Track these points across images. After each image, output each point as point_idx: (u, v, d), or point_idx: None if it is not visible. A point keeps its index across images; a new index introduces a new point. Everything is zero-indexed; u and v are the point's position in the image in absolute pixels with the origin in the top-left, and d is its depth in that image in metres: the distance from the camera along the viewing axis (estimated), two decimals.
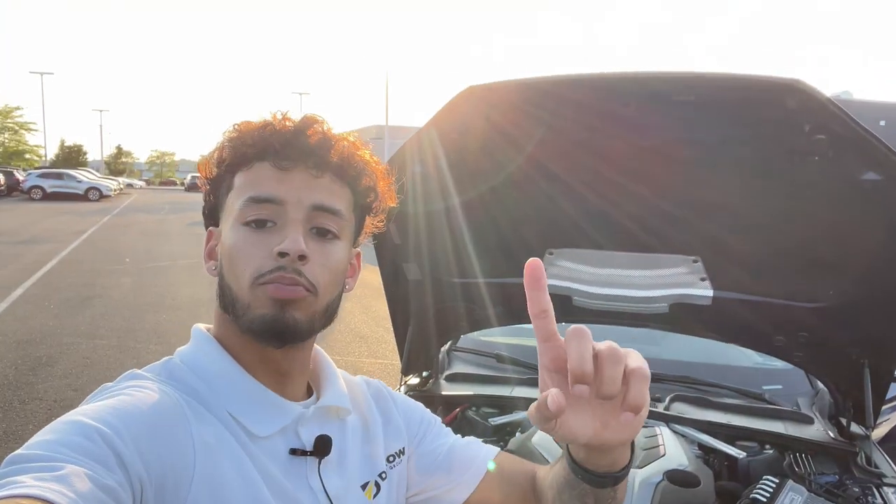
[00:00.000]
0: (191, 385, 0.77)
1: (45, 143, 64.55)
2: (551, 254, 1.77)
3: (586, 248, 1.73)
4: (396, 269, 1.88)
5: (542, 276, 0.64)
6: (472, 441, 1.05)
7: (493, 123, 1.47)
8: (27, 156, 53.47)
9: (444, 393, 2.08)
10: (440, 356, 2.26)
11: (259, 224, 0.78)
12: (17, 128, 51.27)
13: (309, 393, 0.91)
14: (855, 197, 1.32)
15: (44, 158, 56.25)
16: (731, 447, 1.74)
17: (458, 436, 1.07)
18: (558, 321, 2.21)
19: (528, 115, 1.45)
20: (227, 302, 0.79)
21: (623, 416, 0.61)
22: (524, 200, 1.66)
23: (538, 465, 0.98)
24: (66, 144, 59.76)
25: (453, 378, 2.22)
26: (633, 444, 0.77)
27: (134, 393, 0.70)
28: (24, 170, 39.62)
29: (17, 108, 50.82)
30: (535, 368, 2.22)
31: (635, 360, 0.63)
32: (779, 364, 2.19)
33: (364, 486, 0.90)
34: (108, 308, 7.64)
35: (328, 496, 0.82)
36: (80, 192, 31.20)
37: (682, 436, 1.79)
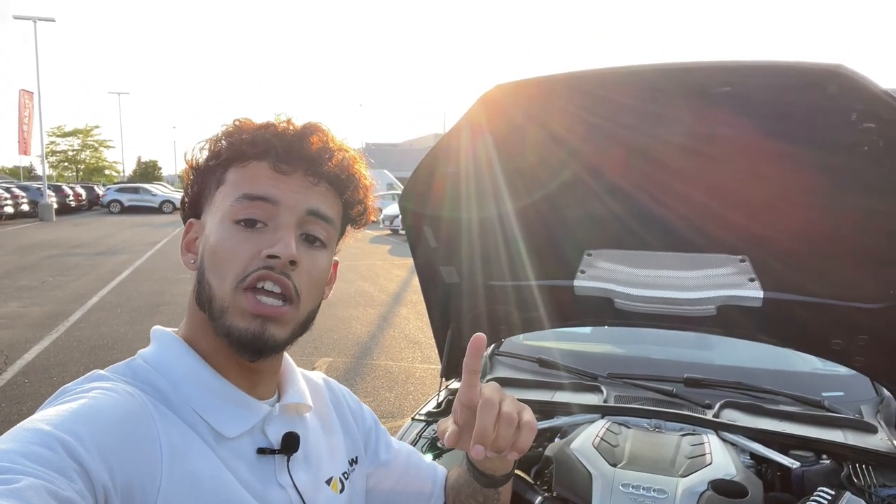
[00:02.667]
0: (156, 386, 0.76)
1: (123, 159, 68.30)
2: (590, 255, 1.73)
3: (627, 249, 1.68)
4: (433, 272, 1.87)
5: (482, 348, 0.83)
6: (419, 461, 1.11)
7: (526, 122, 1.45)
8: (107, 171, 56.62)
9: None
10: (482, 360, 2.24)
11: (249, 223, 0.77)
12: (96, 145, 54.35)
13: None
14: None
15: (122, 174, 59.35)
16: (784, 457, 1.65)
17: (404, 447, 1.10)
18: (601, 324, 2.12)
19: (561, 113, 1.41)
20: (204, 298, 0.78)
21: (510, 455, 0.81)
22: (562, 200, 1.63)
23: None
24: (142, 160, 62.87)
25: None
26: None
27: (98, 396, 0.68)
28: (103, 185, 41.97)
29: (96, 127, 53.98)
30: (576, 373, 2.17)
31: (528, 414, 0.84)
32: (841, 370, 2.07)
33: (328, 482, 0.90)
34: (176, 315, 7.95)
35: (298, 492, 0.82)
36: (155, 205, 32.77)
37: (732, 444, 1.71)
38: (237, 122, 0.83)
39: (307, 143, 0.80)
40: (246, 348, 0.76)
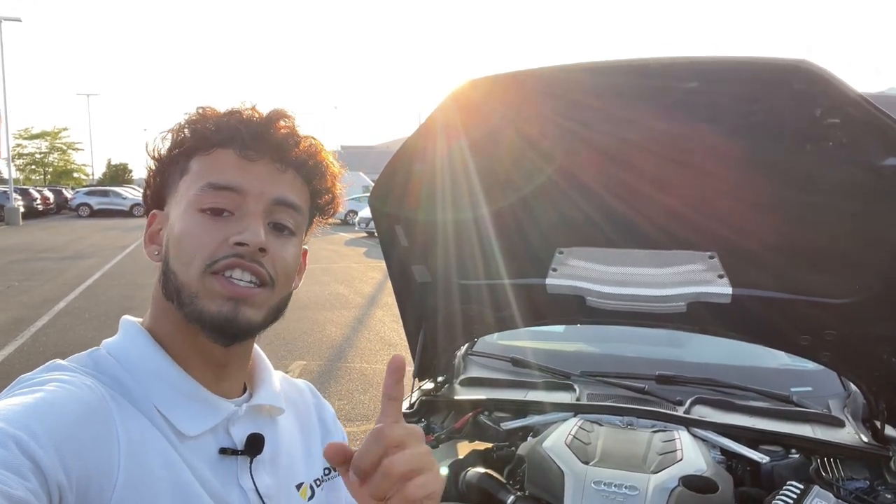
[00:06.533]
0: (117, 378, 0.74)
1: (93, 162, 66.66)
2: (561, 252, 1.72)
3: (597, 247, 1.68)
4: (405, 271, 1.85)
5: (401, 369, 0.65)
6: None
7: (496, 118, 1.44)
8: (75, 174, 55.42)
9: (456, 398, 2.04)
10: (455, 360, 2.23)
11: (215, 212, 0.75)
12: (64, 147, 53.18)
13: (243, 390, 0.88)
14: (875, 184, 1.24)
15: (91, 177, 58.12)
16: (754, 451, 1.66)
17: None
18: (574, 322, 2.10)
19: (529, 110, 1.41)
20: (171, 290, 0.76)
21: None
22: (533, 198, 1.62)
23: None
24: (112, 163, 61.59)
25: (468, 382, 2.18)
26: None
27: (55, 389, 0.66)
28: (72, 188, 41.10)
29: (64, 129, 52.68)
30: (549, 371, 2.17)
31: (424, 479, 0.62)
32: (809, 365, 2.09)
33: (298, 487, 0.88)
34: None
35: (259, 495, 0.79)
36: (126, 209, 32.17)
37: (703, 440, 1.72)
38: (200, 111, 0.80)
39: (273, 129, 0.78)
40: (220, 332, 0.73)
